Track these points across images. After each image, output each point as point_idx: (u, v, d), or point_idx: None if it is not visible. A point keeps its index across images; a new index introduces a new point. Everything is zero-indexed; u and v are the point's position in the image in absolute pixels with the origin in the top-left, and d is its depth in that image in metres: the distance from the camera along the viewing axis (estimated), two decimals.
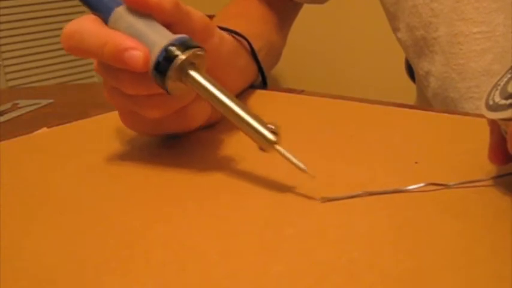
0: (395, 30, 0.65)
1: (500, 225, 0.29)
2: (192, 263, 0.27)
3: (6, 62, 2.29)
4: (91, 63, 2.40)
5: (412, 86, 0.81)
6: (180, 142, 0.45)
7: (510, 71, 0.33)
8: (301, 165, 0.34)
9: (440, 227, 0.29)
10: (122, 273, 0.27)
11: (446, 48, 0.58)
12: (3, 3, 2.23)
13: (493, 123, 0.33)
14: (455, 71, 0.58)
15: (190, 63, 0.36)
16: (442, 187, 0.33)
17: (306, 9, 0.75)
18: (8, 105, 0.60)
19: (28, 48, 2.31)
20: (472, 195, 0.32)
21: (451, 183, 0.33)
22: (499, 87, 0.32)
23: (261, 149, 0.35)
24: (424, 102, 0.68)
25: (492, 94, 0.32)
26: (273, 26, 0.70)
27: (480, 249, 0.27)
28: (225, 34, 0.48)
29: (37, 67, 2.34)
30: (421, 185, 0.33)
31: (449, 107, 0.60)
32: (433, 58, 0.60)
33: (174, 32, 0.37)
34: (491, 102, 0.32)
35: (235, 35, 0.55)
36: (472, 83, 0.57)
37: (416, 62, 0.64)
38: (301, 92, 0.58)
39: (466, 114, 0.48)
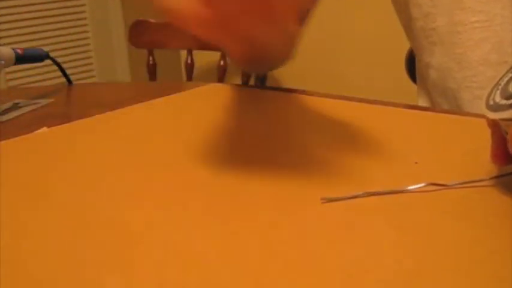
0: (405, 20, 0.65)
1: (500, 225, 0.29)
2: (192, 263, 0.27)
3: None
4: (91, 64, 2.40)
5: (412, 86, 0.81)
6: (180, 143, 0.45)
7: (511, 70, 0.33)
8: None
9: (440, 227, 0.29)
10: (122, 273, 0.27)
11: (446, 38, 0.59)
12: (3, 3, 2.23)
13: (494, 124, 0.33)
14: (454, 61, 0.58)
15: None
16: (442, 187, 0.33)
17: None
18: (8, 105, 0.60)
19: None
20: (472, 195, 0.32)
21: (451, 183, 0.33)
22: (500, 87, 0.32)
23: None
24: (425, 99, 0.68)
25: (493, 94, 0.32)
26: None
27: (480, 250, 0.27)
28: None
29: (37, 67, 2.33)
30: (421, 185, 0.33)
31: (448, 98, 0.61)
32: (432, 49, 0.61)
33: None
34: (491, 102, 0.31)
35: None
36: (470, 72, 0.58)
37: (417, 54, 0.65)
38: (302, 92, 0.58)
39: (466, 114, 0.48)
